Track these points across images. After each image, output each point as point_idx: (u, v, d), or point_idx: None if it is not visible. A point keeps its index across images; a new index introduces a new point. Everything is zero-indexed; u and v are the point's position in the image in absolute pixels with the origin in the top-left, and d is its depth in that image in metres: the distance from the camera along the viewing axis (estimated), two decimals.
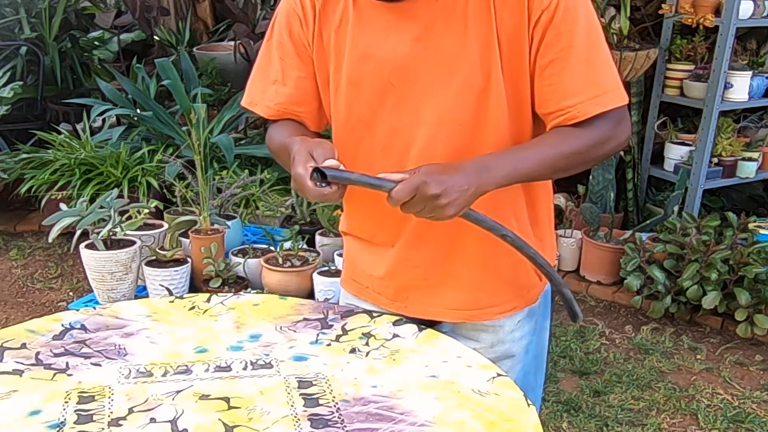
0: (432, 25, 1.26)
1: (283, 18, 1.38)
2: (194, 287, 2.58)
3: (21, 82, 4.36)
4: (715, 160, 3.78)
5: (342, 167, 1.21)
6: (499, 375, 1.27)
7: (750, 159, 3.84)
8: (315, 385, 1.23)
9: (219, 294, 1.57)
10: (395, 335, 1.40)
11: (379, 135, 1.34)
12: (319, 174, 1.19)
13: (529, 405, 1.19)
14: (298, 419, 1.13)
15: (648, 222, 3.68)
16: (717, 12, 3.54)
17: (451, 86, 1.27)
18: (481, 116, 1.28)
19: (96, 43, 5.24)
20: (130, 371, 1.26)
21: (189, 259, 2.55)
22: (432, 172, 1.17)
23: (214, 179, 3.07)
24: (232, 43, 4.85)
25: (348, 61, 1.32)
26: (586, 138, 1.25)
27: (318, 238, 2.80)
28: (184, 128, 3.85)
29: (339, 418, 1.14)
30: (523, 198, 1.39)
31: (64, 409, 1.15)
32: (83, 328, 1.40)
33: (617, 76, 1.27)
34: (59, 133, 3.89)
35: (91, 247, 2.45)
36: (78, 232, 2.53)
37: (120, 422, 1.11)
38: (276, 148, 1.42)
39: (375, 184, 1.20)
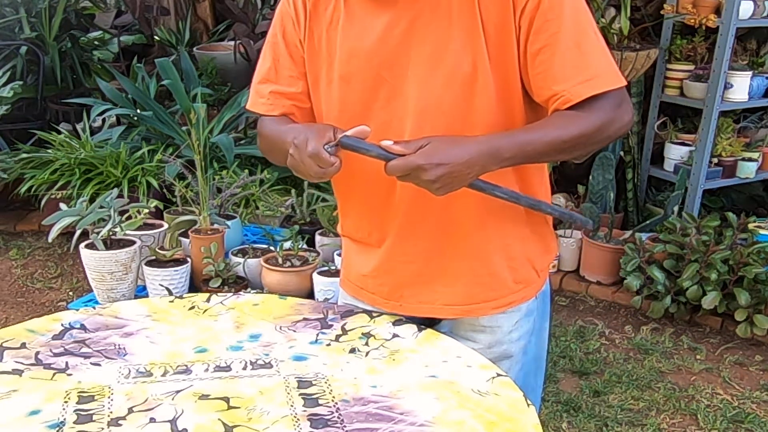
0: (418, 16, 1.28)
1: (278, 19, 1.43)
2: (194, 287, 2.58)
3: (21, 82, 4.36)
4: (715, 160, 3.78)
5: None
6: (498, 375, 1.27)
7: (750, 159, 3.84)
8: (315, 385, 1.23)
9: (219, 294, 1.57)
10: (395, 335, 1.40)
11: (372, 128, 1.34)
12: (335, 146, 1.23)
13: (528, 405, 1.19)
14: (298, 419, 1.13)
15: (648, 222, 3.67)
16: (717, 12, 3.54)
17: (436, 77, 1.28)
18: (468, 106, 1.29)
19: (96, 43, 5.24)
20: (129, 371, 1.26)
21: (189, 259, 2.55)
22: (433, 154, 1.19)
23: (214, 179, 3.06)
24: (232, 43, 4.85)
25: (339, 57, 1.34)
26: (590, 120, 1.25)
27: (318, 238, 2.80)
28: (184, 128, 3.85)
29: (339, 418, 1.14)
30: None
31: (64, 409, 1.15)
32: (83, 327, 1.40)
33: (610, 59, 1.27)
34: (59, 132, 3.88)
35: (91, 246, 2.45)
36: (78, 232, 2.53)
37: (120, 422, 1.12)
38: (269, 136, 1.42)
39: (382, 156, 1.23)
